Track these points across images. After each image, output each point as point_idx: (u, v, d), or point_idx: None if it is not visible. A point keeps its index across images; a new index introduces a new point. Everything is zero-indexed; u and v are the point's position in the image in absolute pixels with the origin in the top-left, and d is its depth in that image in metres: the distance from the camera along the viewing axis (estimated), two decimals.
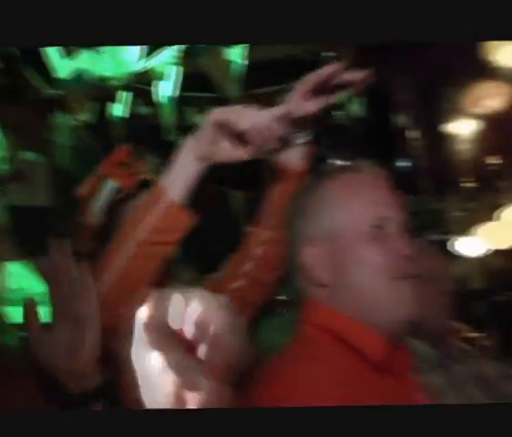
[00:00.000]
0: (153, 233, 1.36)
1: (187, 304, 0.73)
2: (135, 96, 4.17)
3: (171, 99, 4.10)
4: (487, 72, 4.34)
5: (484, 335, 4.89)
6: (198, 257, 2.03)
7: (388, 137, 4.64)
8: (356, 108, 4.19)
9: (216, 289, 1.73)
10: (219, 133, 1.31)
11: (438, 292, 1.96)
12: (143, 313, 0.73)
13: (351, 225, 1.25)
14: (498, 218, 5.37)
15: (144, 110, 4.23)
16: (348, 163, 1.38)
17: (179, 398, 0.71)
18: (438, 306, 1.95)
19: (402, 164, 5.08)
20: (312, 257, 1.27)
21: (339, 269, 1.25)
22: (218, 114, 1.32)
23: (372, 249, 1.23)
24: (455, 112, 4.98)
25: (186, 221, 1.38)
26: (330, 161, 1.37)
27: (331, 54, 3.72)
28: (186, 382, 0.71)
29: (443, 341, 1.98)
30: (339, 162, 1.38)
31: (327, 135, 3.53)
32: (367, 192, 1.28)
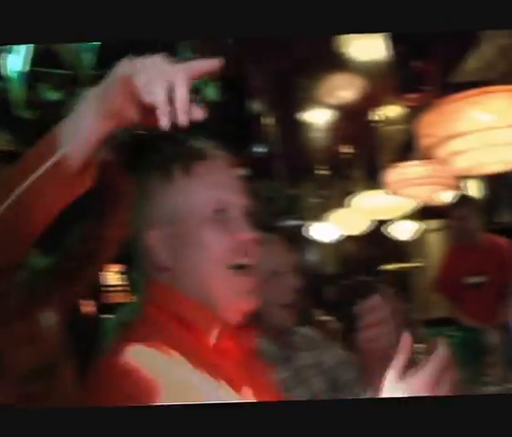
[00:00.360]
0: (38, 188, 1.14)
1: None
2: None
3: (21, 74, 3.94)
4: (341, 64, 4.50)
5: (334, 318, 5.11)
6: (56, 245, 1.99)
7: (243, 122, 4.70)
8: (212, 93, 4.21)
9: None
10: (127, 90, 1.01)
11: (282, 286, 1.97)
12: None
13: (191, 208, 1.24)
14: (349, 205, 5.60)
15: None
16: (193, 146, 1.36)
17: None
18: (282, 300, 1.95)
19: (257, 150, 5.18)
20: (155, 240, 1.26)
21: (180, 253, 1.25)
22: (127, 68, 1.02)
23: (211, 234, 1.23)
24: (310, 101, 5.14)
25: (77, 185, 1.17)
26: (181, 144, 1.34)
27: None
28: None
29: (286, 335, 1.98)
30: (189, 145, 1.36)
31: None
32: (209, 175, 1.27)
